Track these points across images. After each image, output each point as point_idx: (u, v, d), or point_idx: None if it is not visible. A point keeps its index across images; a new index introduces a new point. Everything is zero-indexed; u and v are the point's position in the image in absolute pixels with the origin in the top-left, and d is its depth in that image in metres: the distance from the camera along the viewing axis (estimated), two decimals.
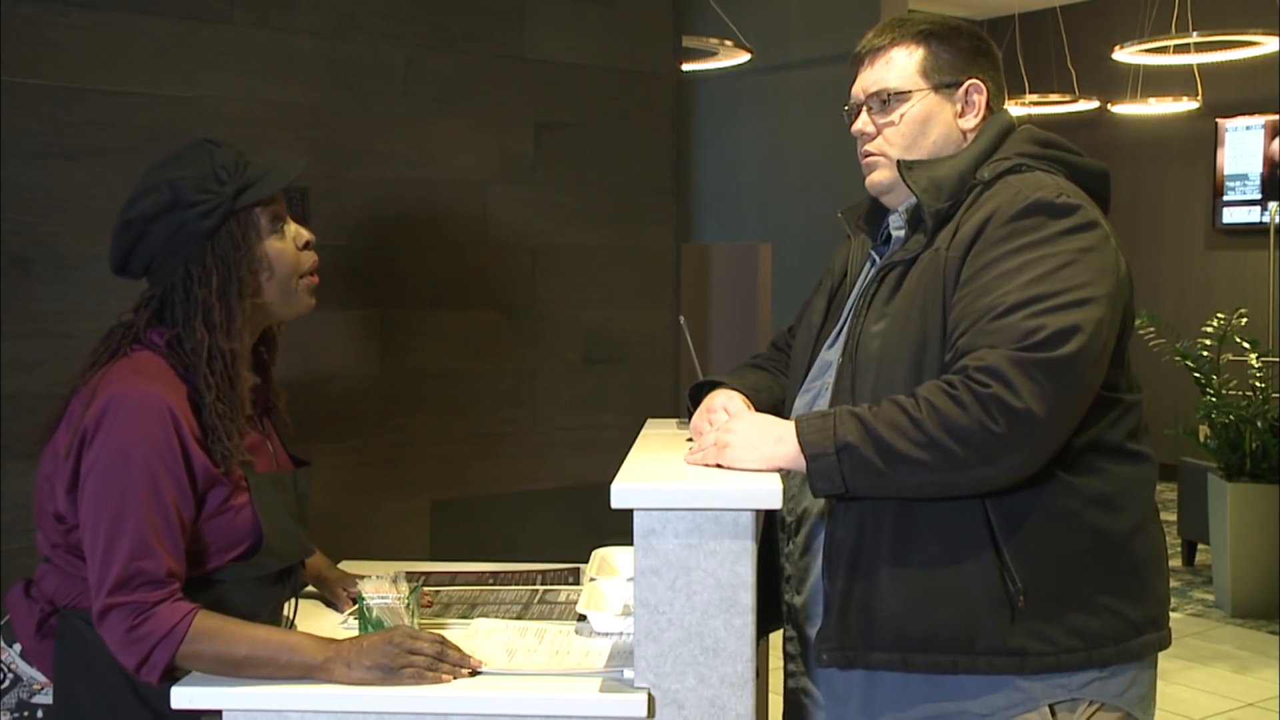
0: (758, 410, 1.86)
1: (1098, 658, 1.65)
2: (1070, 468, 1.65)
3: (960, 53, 1.82)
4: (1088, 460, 1.66)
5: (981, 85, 1.82)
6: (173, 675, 1.68)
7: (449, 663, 1.67)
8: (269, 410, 1.99)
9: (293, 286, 1.87)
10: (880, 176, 1.84)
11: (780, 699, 1.88)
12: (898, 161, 1.80)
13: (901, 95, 1.81)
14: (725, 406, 1.85)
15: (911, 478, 1.57)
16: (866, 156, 1.85)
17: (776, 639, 1.99)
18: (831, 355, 1.83)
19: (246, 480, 1.81)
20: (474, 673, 1.69)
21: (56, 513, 1.76)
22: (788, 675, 1.86)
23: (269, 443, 1.94)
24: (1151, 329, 5.58)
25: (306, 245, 1.89)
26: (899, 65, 1.83)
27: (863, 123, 1.85)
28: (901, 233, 1.84)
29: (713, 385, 1.96)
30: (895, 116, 1.82)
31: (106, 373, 1.76)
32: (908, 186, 1.77)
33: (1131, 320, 1.73)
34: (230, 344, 1.78)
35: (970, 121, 1.82)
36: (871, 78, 1.85)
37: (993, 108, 1.83)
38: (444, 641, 1.70)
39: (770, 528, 1.90)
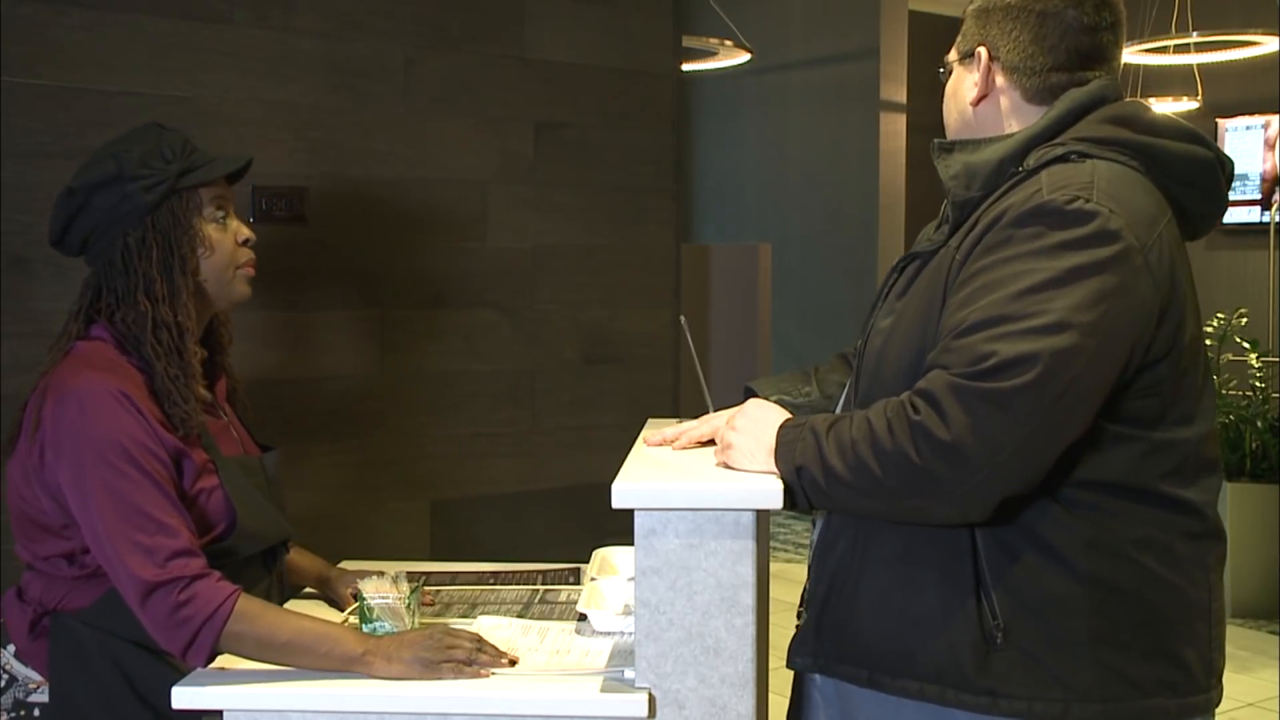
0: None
1: (1078, 713, 1.47)
2: (1072, 505, 1.49)
3: (982, 15, 1.64)
4: (1094, 499, 1.49)
5: (983, 51, 1.63)
6: (214, 659, 1.69)
7: (487, 656, 1.68)
8: (229, 398, 2.00)
9: (229, 275, 1.89)
10: None
11: (781, 699, 1.87)
12: (933, 141, 1.65)
13: (945, 69, 1.71)
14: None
15: (853, 502, 1.49)
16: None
17: (776, 639, 1.99)
18: (860, 341, 1.73)
19: (214, 463, 1.81)
20: (513, 661, 1.70)
21: (40, 519, 1.76)
22: None
23: (233, 429, 1.95)
24: None
25: (246, 242, 1.91)
26: (960, 36, 1.70)
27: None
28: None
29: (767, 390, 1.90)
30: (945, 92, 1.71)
31: (55, 371, 1.77)
32: (938, 170, 1.62)
33: (1174, 345, 1.50)
34: (175, 317, 1.80)
35: (971, 93, 1.65)
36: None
37: (1017, 80, 1.62)
38: (480, 639, 1.71)
39: None
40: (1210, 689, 1.56)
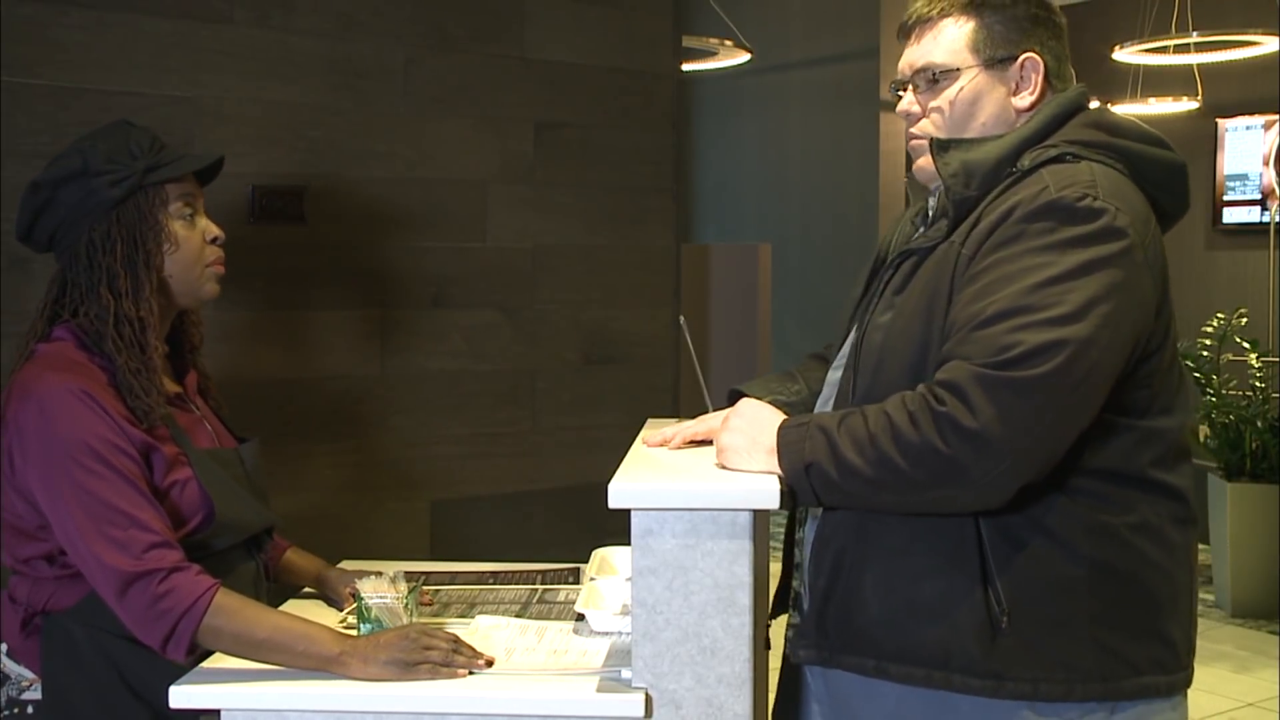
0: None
1: (1080, 693, 1.53)
2: (1073, 493, 1.54)
3: (1015, 22, 1.67)
4: (1094, 486, 1.55)
5: (1039, 60, 1.67)
6: (193, 652, 1.68)
7: (463, 657, 1.68)
8: (202, 394, 2.00)
9: (196, 273, 1.88)
10: (926, 163, 1.69)
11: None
12: (931, 140, 1.67)
13: (949, 73, 1.68)
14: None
15: (870, 496, 1.52)
16: (911, 140, 1.73)
17: (778, 637, 1.99)
18: (854, 337, 1.74)
19: (186, 456, 1.81)
20: (490, 662, 1.70)
21: (16, 523, 1.76)
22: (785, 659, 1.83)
23: (206, 422, 1.95)
24: None
25: (214, 240, 1.91)
26: (948, 39, 1.68)
27: (908, 103, 1.72)
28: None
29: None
30: (942, 99, 1.69)
31: (17, 375, 1.78)
32: (936, 169, 1.64)
33: (1165, 339, 1.59)
34: (138, 311, 1.80)
35: (1025, 100, 1.67)
36: (918, 53, 1.71)
37: (1055, 85, 1.69)
38: (457, 639, 1.71)
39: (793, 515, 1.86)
40: (1189, 666, 1.64)
